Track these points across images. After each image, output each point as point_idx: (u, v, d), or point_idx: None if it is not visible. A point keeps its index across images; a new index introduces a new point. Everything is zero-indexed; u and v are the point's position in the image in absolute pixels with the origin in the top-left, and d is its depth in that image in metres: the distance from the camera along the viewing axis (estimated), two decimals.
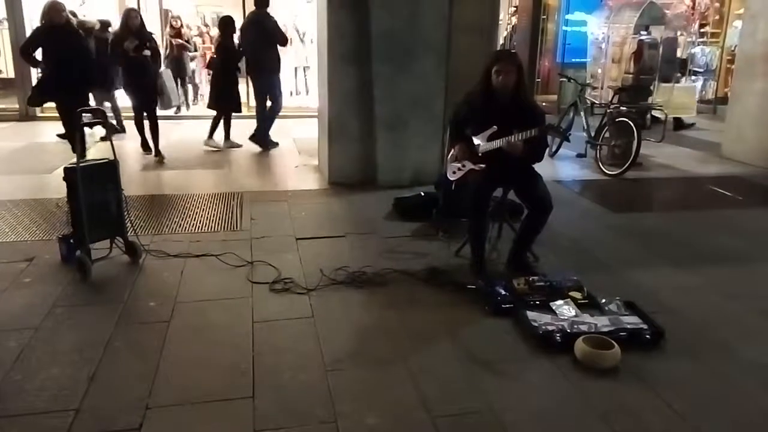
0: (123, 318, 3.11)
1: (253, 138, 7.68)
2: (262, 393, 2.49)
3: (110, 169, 3.78)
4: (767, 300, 3.52)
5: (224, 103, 7.68)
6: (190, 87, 11.58)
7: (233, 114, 7.84)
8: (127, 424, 2.28)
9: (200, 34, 12.96)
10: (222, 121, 7.77)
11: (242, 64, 7.72)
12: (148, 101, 6.96)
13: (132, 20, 6.70)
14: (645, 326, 2.99)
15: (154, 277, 3.65)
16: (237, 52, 7.65)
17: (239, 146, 7.75)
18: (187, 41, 11.03)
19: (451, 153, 3.89)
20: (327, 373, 2.64)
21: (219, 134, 7.73)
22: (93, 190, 3.63)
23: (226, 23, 7.66)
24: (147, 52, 6.73)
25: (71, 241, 3.72)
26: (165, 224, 4.62)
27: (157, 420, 2.31)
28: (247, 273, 3.70)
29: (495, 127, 3.59)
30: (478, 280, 3.52)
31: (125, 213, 3.85)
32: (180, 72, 10.73)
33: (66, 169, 3.62)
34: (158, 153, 6.96)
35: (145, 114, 6.99)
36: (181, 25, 11.06)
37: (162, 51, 9.31)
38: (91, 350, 2.78)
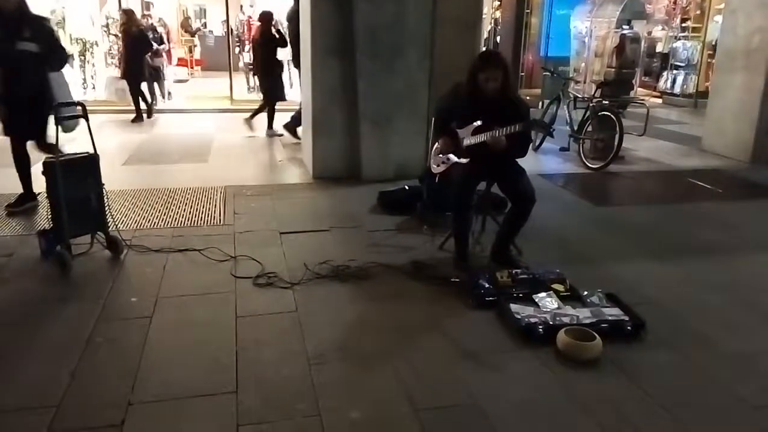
0: (104, 314, 3.08)
1: (287, 126, 7.87)
2: (245, 387, 2.48)
3: (90, 163, 3.73)
4: (746, 292, 3.58)
5: (272, 93, 8.16)
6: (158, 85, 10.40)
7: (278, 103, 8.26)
8: (108, 421, 2.25)
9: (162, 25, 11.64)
10: (266, 111, 8.18)
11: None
12: (29, 122, 4.46)
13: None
14: (626, 318, 3.02)
15: (136, 273, 3.61)
16: (279, 43, 8.03)
17: (280, 135, 7.94)
18: (152, 30, 9.59)
19: (435, 146, 3.90)
20: (311, 367, 2.64)
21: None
22: (73, 185, 3.58)
23: (269, 17, 8.10)
24: (28, 46, 4.25)
25: (51, 236, 3.67)
26: (147, 219, 4.57)
27: (139, 416, 2.30)
28: (230, 267, 3.68)
29: (479, 121, 3.60)
30: (462, 273, 3.53)
31: (106, 207, 3.81)
32: (135, 75, 9.08)
33: (45, 164, 3.57)
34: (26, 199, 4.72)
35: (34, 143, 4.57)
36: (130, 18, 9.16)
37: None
38: (71, 346, 2.75)
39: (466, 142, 3.69)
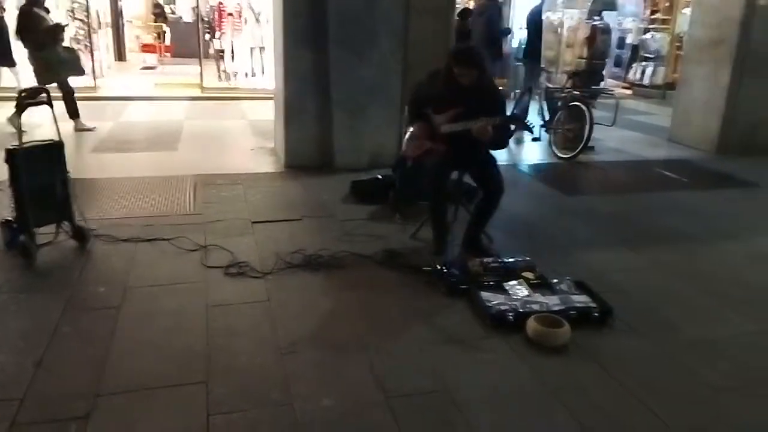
0: (70, 304, 3.01)
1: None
2: (216, 377, 2.46)
3: (55, 150, 3.64)
4: (710, 279, 3.68)
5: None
6: None
7: None
8: (74, 413, 2.21)
9: None
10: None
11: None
12: None
13: None
14: (594, 305, 3.07)
15: (103, 262, 3.55)
16: None
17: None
18: None
19: (410, 130, 3.88)
20: (282, 356, 2.63)
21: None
22: (37, 173, 3.49)
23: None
24: None
25: (14, 225, 3.57)
26: (114, 208, 4.48)
27: (106, 408, 2.26)
28: (200, 257, 3.63)
29: (459, 109, 3.59)
30: (438, 260, 3.54)
31: (71, 196, 3.72)
32: None
33: (7, 151, 3.47)
34: None
35: None
36: None
37: None
38: (36, 337, 2.69)
39: (445, 128, 3.68)
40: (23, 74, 8.06)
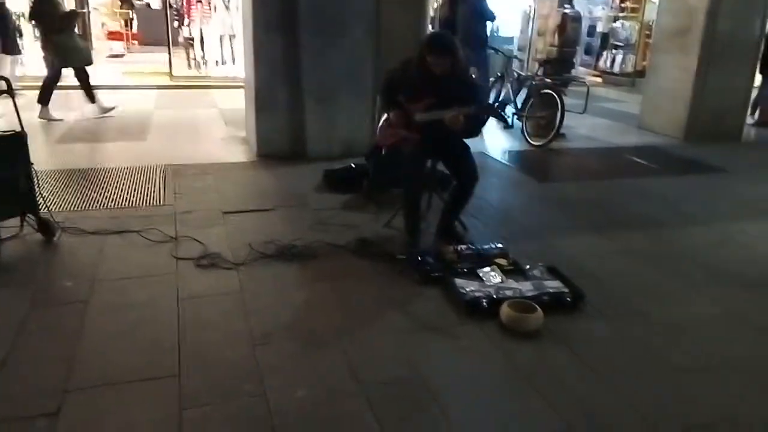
0: (37, 299, 2.94)
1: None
2: (188, 370, 2.42)
3: (18, 141, 3.53)
4: (679, 263, 3.75)
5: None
6: None
7: None
8: (43, 410, 2.16)
9: None
10: None
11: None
12: None
13: None
14: (566, 290, 3.11)
15: (71, 256, 3.46)
16: None
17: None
18: None
19: (384, 118, 3.85)
20: (255, 348, 2.60)
21: None
22: None
23: None
24: None
25: None
26: (81, 200, 4.38)
27: (76, 404, 2.21)
28: (171, 249, 3.57)
29: (434, 99, 3.57)
30: (411, 248, 3.54)
31: (36, 188, 3.62)
32: None
33: None
34: None
35: None
36: None
37: None
38: (1, 334, 2.61)
39: (419, 117, 3.66)
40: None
